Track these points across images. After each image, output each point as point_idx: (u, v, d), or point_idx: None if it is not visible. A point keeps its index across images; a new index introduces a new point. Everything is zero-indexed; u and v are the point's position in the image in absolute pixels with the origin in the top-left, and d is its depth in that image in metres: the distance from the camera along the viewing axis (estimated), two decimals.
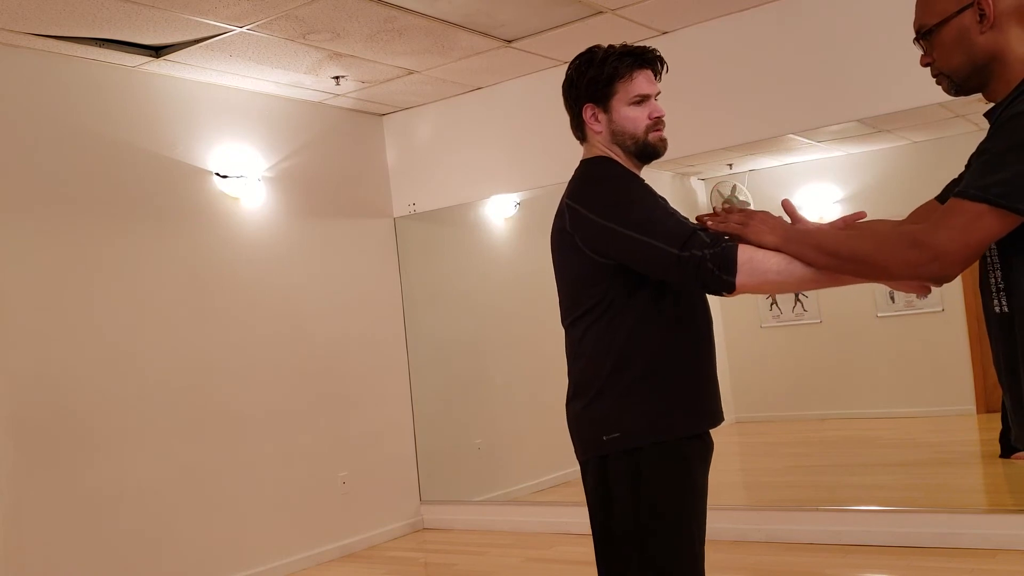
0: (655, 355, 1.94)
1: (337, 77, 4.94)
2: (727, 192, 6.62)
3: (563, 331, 2.08)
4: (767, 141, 4.98)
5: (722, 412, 2.08)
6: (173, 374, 4.49)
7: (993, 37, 1.56)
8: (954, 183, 1.88)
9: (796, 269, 1.75)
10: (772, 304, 6.69)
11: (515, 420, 6.18)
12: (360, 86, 5.17)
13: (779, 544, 4.45)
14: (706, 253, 1.77)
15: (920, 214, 1.97)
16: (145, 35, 4.13)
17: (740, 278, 1.76)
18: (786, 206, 2.06)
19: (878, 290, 6.11)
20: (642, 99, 2.02)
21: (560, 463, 6.10)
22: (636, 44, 2.05)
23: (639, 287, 1.92)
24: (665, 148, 2.08)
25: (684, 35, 4.83)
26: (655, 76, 2.07)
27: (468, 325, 6.11)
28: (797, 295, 6.50)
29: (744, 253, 1.77)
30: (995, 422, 5.72)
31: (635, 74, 2.02)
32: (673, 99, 5.11)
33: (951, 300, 5.92)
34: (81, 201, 4.25)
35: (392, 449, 5.63)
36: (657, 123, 2.04)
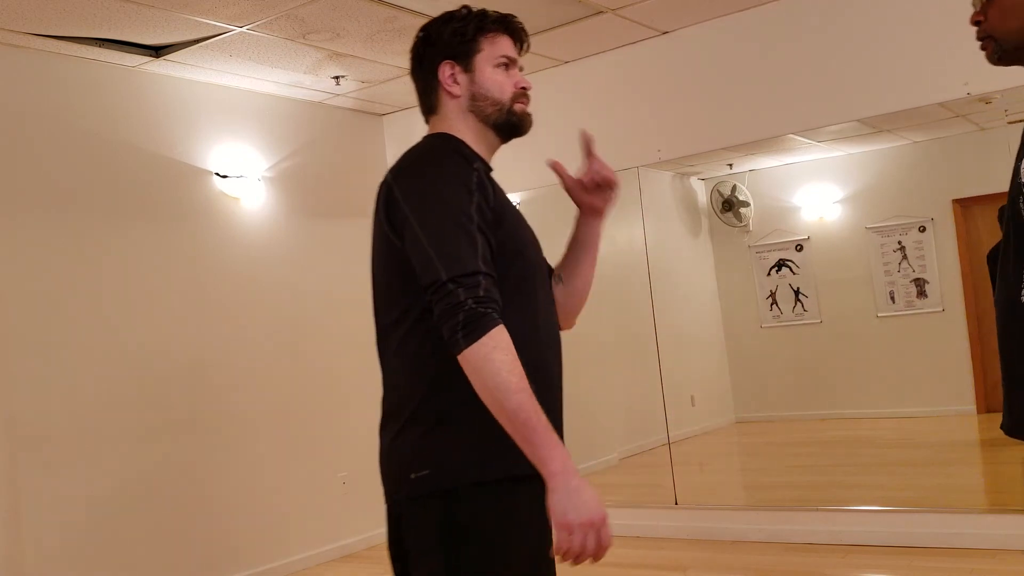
0: None
1: (337, 77, 4.94)
2: (727, 192, 6.62)
3: (387, 340, 1.72)
4: (767, 141, 4.97)
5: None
6: (173, 373, 4.49)
7: None
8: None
9: (510, 404, 1.46)
10: (772, 304, 6.69)
11: None
12: (360, 86, 5.17)
13: (779, 544, 4.45)
14: (468, 302, 1.49)
15: None
16: (145, 35, 4.13)
17: (470, 355, 1.47)
18: (554, 167, 1.91)
19: (878, 290, 6.11)
20: (508, 63, 1.78)
21: None
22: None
23: None
24: (530, 125, 1.82)
25: (684, 35, 4.83)
26: (519, 49, 1.83)
27: None
28: (797, 295, 6.50)
29: (490, 341, 1.48)
30: (995, 421, 5.71)
31: (501, 34, 1.78)
32: (673, 99, 5.14)
33: (951, 300, 5.92)
34: (81, 201, 4.25)
35: None
36: (523, 94, 1.80)
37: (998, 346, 1.66)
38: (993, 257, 5.16)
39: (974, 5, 1.59)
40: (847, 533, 4.34)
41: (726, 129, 4.76)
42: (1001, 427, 1.64)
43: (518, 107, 1.79)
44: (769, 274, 6.59)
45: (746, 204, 6.61)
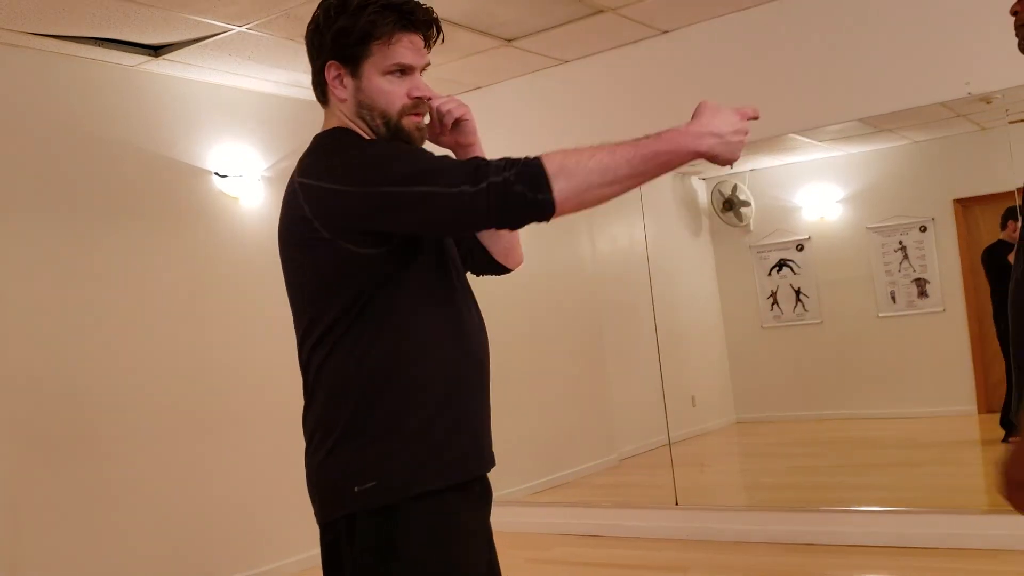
0: (419, 380, 1.52)
1: None
2: (727, 192, 6.61)
3: (313, 354, 1.60)
4: (767, 141, 4.96)
5: (492, 454, 1.67)
6: (172, 374, 4.48)
7: None
8: None
9: (621, 164, 1.42)
10: (773, 304, 6.68)
11: (514, 420, 6.17)
12: None
13: (779, 545, 4.45)
14: (506, 176, 1.39)
15: None
16: (144, 34, 4.13)
17: (560, 193, 1.39)
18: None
19: (879, 290, 6.10)
20: (402, 70, 1.59)
21: (560, 463, 6.09)
22: None
23: (396, 293, 1.52)
24: (422, 140, 1.64)
25: (684, 35, 4.82)
26: (425, 44, 1.62)
27: None
28: (798, 295, 6.49)
29: (553, 163, 1.40)
30: (996, 421, 5.71)
31: (397, 36, 1.56)
32: (673, 98, 5.13)
33: (952, 300, 5.91)
34: (79, 201, 4.25)
35: None
36: (417, 105, 1.61)
37: (1010, 335, 1.68)
38: (987, 256, 5.18)
39: None
40: (847, 533, 4.33)
41: None
42: (1011, 417, 1.65)
43: (407, 122, 1.60)
44: (770, 274, 6.58)
45: (747, 204, 6.60)
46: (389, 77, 1.58)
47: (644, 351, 5.25)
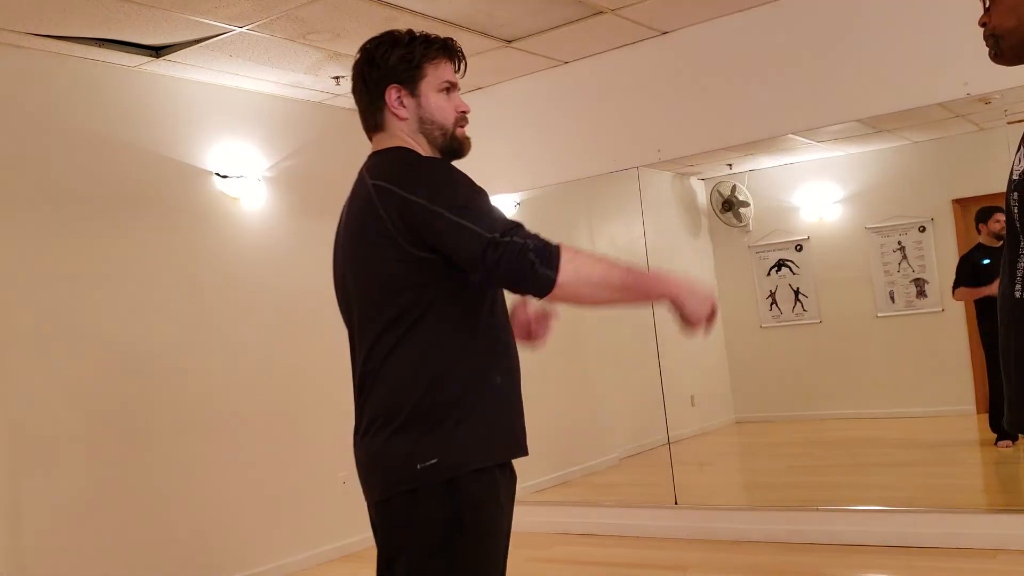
0: (474, 370, 1.74)
1: (337, 77, 4.94)
2: (727, 192, 6.62)
3: (376, 346, 1.77)
4: (767, 141, 4.97)
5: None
6: (172, 374, 4.49)
7: None
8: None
9: (616, 277, 1.65)
10: (772, 304, 6.69)
11: None
12: None
13: (779, 544, 4.46)
14: (526, 243, 1.61)
15: None
16: (145, 35, 4.14)
17: (563, 276, 1.60)
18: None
19: (878, 290, 6.11)
20: (450, 88, 1.89)
21: (560, 463, 6.10)
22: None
23: (456, 291, 1.73)
24: (470, 147, 1.93)
25: (684, 35, 4.83)
26: (456, 70, 1.94)
27: None
28: (797, 295, 6.50)
29: (568, 252, 1.63)
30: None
31: (444, 59, 1.88)
32: (673, 99, 5.13)
33: (951, 300, 5.92)
34: (81, 201, 4.25)
35: None
36: (463, 117, 1.91)
37: (999, 342, 1.69)
38: (963, 261, 5.23)
39: (984, 6, 1.66)
40: (847, 533, 4.34)
41: (726, 129, 4.76)
42: (1003, 423, 1.66)
43: (459, 132, 1.90)
44: (769, 274, 6.59)
45: (746, 204, 6.61)
46: (442, 94, 1.87)
47: (644, 351, 5.26)
